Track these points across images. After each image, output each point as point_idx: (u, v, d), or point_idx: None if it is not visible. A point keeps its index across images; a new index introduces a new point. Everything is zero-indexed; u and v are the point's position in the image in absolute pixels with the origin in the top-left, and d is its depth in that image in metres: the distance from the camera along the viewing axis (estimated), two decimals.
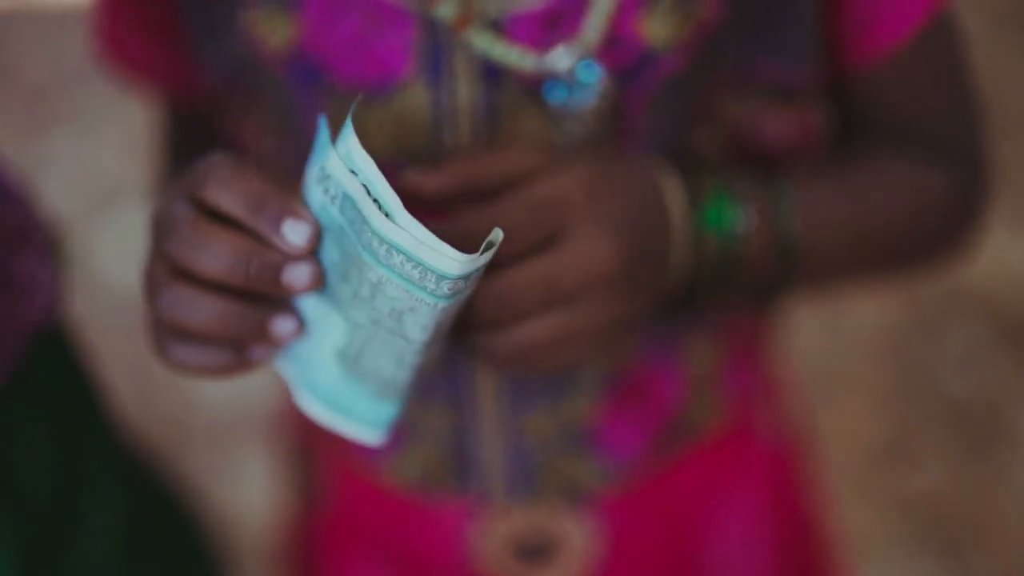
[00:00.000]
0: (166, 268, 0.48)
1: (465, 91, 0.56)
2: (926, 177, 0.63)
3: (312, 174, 0.46)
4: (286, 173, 0.63)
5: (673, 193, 0.54)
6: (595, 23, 0.54)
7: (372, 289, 0.46)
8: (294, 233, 0.45)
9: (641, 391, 0.68)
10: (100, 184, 2.00)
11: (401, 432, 0.71)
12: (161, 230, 0.49)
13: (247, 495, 1.68)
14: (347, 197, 0.44)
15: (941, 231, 0.66)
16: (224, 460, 1.78)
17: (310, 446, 0.82)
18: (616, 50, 0.55)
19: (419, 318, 0.46)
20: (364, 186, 0.44)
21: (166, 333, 0.50)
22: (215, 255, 0.46)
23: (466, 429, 0.68)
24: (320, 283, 0.47)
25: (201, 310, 0.47)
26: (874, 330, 1.90)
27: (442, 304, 0.45)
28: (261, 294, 0.48)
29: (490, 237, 0.45)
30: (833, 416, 1.77)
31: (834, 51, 0.59)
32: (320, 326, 0.50)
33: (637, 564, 0.75)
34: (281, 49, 0.58)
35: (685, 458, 0.72)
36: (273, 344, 0.50)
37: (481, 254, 0.44)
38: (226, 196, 0.46)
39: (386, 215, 0.43)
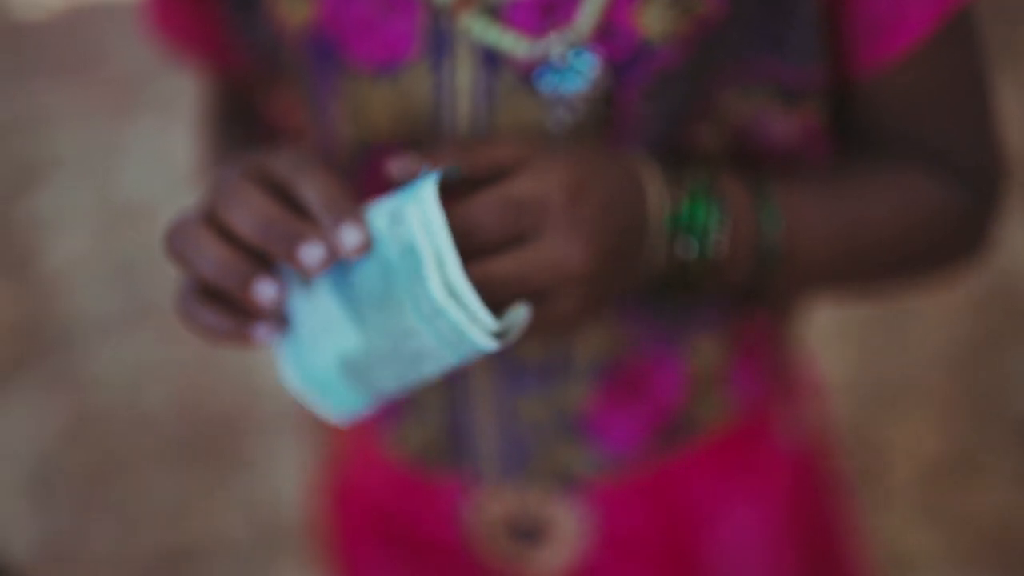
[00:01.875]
0: (200, 215, 0.51)
1: (464, 75, 0.58)
2: (926, 189, 0.62)
3: (388, 204, 0.50)
4: (313, 149, 0.67)
5: (653, 191, 0.55)
6: (589, 12, 0.55)
7: (405, 332, 0.50)
8: (350, 235, 0.48)
9: (639, 384, 0.69)
10: (179, 170, 2.06)
11: (402, 405, 0.72)
12: (215, 188, 0.52)
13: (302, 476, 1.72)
14: (412, 249, 0.48)
15: (941, 244, 0.65)
16: (283, 444, 1.83)
17: (318, 419, 0.84)
18: (610, 40, 0.55)
19: (440, 364, 0.51)
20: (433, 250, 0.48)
21: (187, 291, 0.53)
22: (247, 209, 0.49)
23: (461, 407, 0.70)
24: (324, 268, 0.49)
25: (206, 253, 0.50)
26: (942, 344, 1.87)
27: (465, 360, 0.51)
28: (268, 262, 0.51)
29: (516, 314, 0.50)
30: (897, 430, 1.75)
31: (839, 54, 0.58)
32: (333, 327, 0.52)
33: (629, 555, 0.75)
34: (300, 28, 0.60)
35: (686, 454, 0.72)
36: (257, 307, 0.51)
37: (510, 332, 0.50)
38: (299, 179, 0.50)
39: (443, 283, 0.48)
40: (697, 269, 0.57)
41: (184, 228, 0.51)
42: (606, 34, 0.55)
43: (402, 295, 0.49)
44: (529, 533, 0.74)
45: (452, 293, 0.48)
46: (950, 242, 0.65)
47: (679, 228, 0.56)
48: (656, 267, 0.56)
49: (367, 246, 0.48)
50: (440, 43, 0.57)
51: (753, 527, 0.76)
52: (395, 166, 0.54)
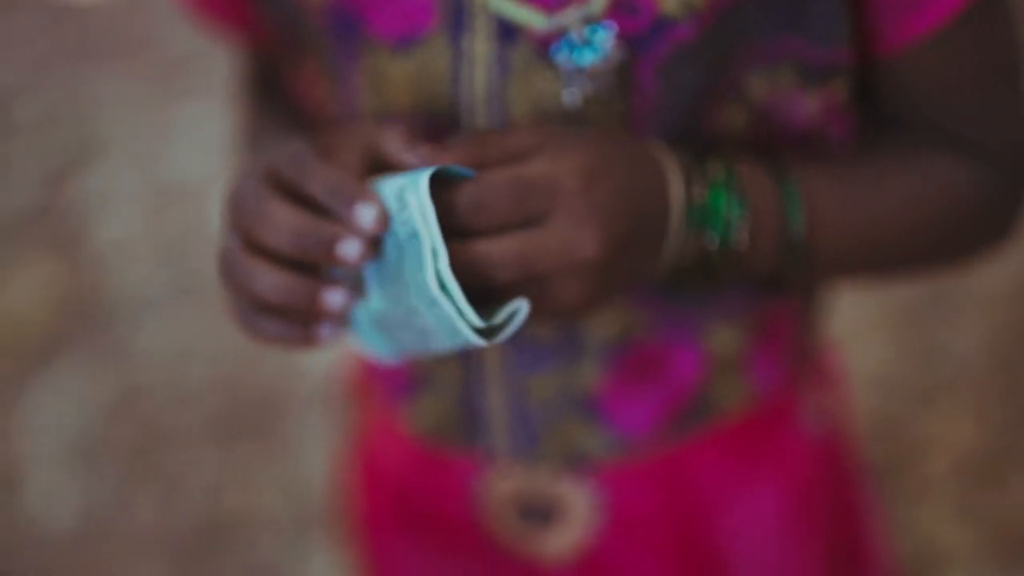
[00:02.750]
0: (238, 242, 0.53)
1: (481, 47, 0.58)
2: (953, 172, 0.62)
3: (392, 184, 0.51)
4: (337, 123, 0.67)
5: (673, 180, 0.55)
6: None
7: (412, 309, 0.51)
8: (364, 215, 0.49)
9: (653, 367, 0.69)
10: (226, 152, 2.08)
11: (416, 381, 0.73)
12: (234, 205, 0.54)
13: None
14: (416, 235, 0.49)
15: (968, 229, 0.64)
16: (322, 424, 1.85)
17: (351, 397, 0.86)
18: (626, 13, 0.55)
19: (443, 345, 0.52)
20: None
21: (243, 305, 0.55)
22: (278, 228, 0.51)
23: (473, 384, 0.70)
24: (367, 258, 0.50)
25: (264, 281, 0.52)
26: (981, 335, 1.85)
27: (465, 347, 0.51)
28: (317, 266, 0.53)
29: (514, 308, 0.50)
30: (933, 422, 1.73)
31: (864, 32, 0.57)
32: (366, 285, 0.55)
33: (640, 538, 0.75)
34: (321, 1, 0.61)
35: (702, 438, 0.72)
36: (326, 315, 0.53)
37: (507, 327, 0.50)
38: (306, 181, 0.51)
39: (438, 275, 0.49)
40: (717, 260, 0.57)
41: (231, 259, 0.53)
42: (622, 7, 0.55)
43: (408, 276, 0.50)
44: (539, 513, 0.75)
45: (442, 286, 0.49)
46: (978, 227, 0.64)
47: (699, 218, 0.55)
48: (675, 257, 0.56)
49: (384, 217, 0.49)
50: (458, 16, 0.58)
51: (769, 514, 0.76)
52: (411, 155, 0.53)
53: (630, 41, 0.56)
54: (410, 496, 0.80)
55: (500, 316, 0.51)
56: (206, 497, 1.79)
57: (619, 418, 0.70)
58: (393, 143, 0.54)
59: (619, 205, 0.52)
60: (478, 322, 0.49)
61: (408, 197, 0.49)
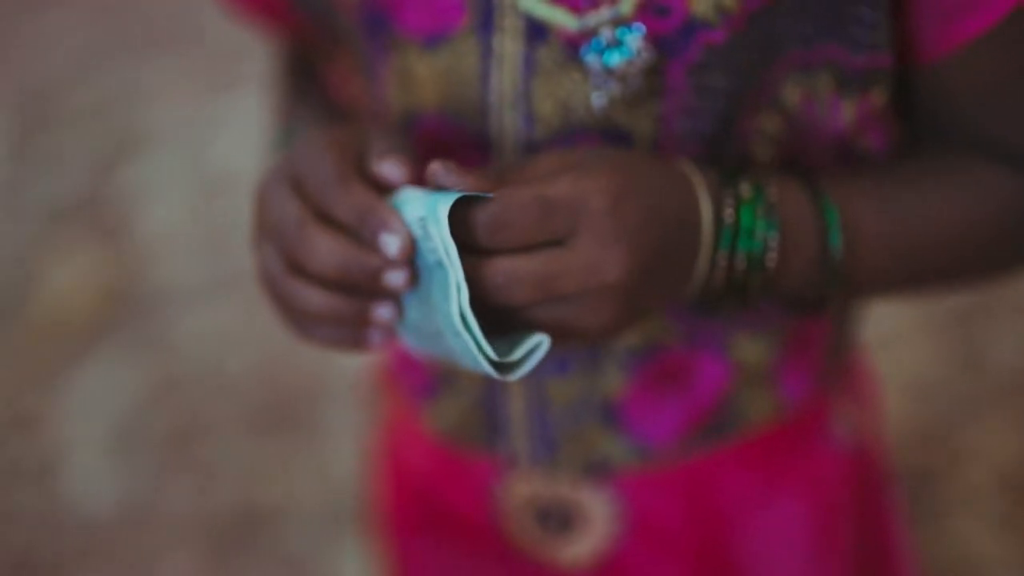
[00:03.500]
0: (280, 263, 0.54)
1: (510, 47, 0.58)
2: (993, 182, 0.60)
3: (414, 204, 0.50)
4: (370, 117, 0.68)
5: (704, 200, 0.54)
6: None
7: (439, 331, 0.51)
8: (390, 245, 0.50)
9: (678, 375, 0.68)
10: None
11: (439, 381, 0.73)
12: (267, 217, 0.54)
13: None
14: (442, 264, 0.49)
15: (1011, 240, 0.62)
16: (357, 417, 1.86)
17: (378, 392, 0.86)
18: (657, 15, 0.54)
19: (466, 365, 0.51)
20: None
21: (291, 316, 0.56)
22: (323, 258, 0.52)
23: (494, 385, 0.70)
24: (413, 285, 0.51)
25: (312, 301, 0.53)
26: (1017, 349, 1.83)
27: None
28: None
29: (534, 343, 0.50)
30: (974, 431, 1.70)
31: (906, 37, 0.56)
32: (405, 300, 0.55)
33: (659, 547, 0.74)
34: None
35: (727, 450, 0.71)
36: (375, 326, 0.55)
37: (526, 362, 0.50)
38: (333, 205, 0.52)
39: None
40: (748, 280, 0.55)
41: (275, 280, 0.54)
42: (653, 9, 0.54)
43: (435, 300, 0.50)
44: (558, 519, 0.74)
45: (463, 319, 0.48)
46: (1020, 236, 0.63)
47: (729, 237, 0.54)
48: (704, 277, 0.55)
49: (409, 246, 0.50)
50: (487, 15, 0.57)
51: (794, 527, 0.75)
52: (437, 172, 0.52)
53: (660, 43, 0.55)
54: (430, 495, 0.80)
55: (520, 351, 0.50)
56: (240, 487, 1.80)
57: (641, 426, 0.69)
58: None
59: (646, 226, 0.51)
60: (495, 357, 0.49)
61: (431, 229, 0.49)
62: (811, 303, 0.60)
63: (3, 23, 2.87)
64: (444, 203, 0.48)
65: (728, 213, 0.54)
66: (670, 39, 0.55)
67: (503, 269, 0.49)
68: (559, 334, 0.52)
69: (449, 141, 0.63)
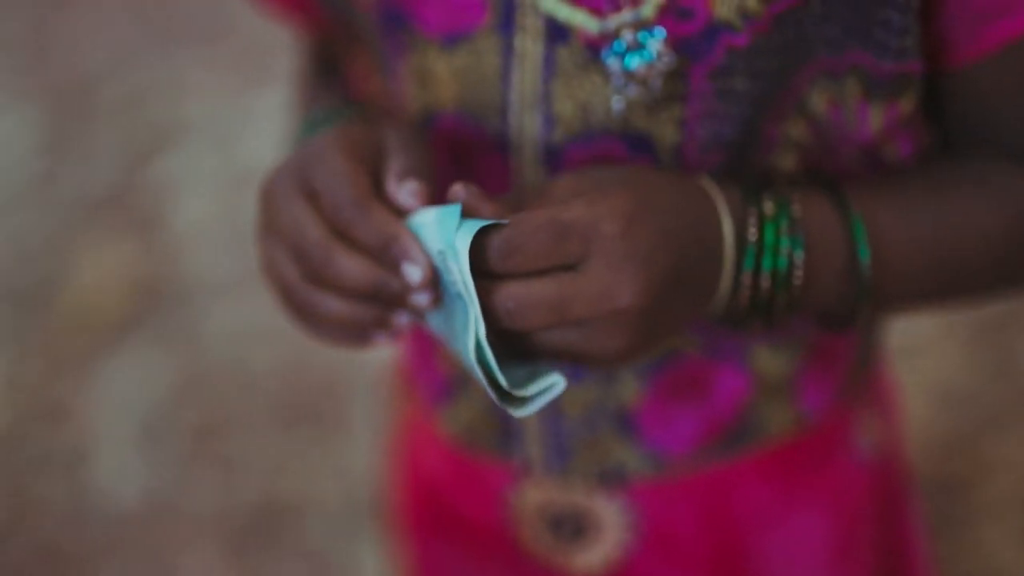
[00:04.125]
0: (297, 272, 0.54)
1: (531, 47, 0.57)
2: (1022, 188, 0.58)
3: (432, 235, 0.50)
4: (388, 114, 0.67)
5: (727, 219, 0.53)
6: None
7: (459, 351, 0.51)
8: (413, 275, 0.50)
9: (696, 385, 0.67)
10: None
11: (453, 384, 0.73)
12: (278, 216, 0.54)
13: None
14: (461, 297, 0.49)
15: None
16: (380, 415, 1.86)
17: (397, 391, 0.86)
18: (680, 18, 0.54)
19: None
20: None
21: (309, 321, 0.56)
22: (348, 279, 0.52)
23: None
24: (437, 305, 0.52)
25: (332, 308, 0.53)
26: None
27: None
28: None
29: (550, 383, 0.49)
30: (1002, 441, 1.68)
31: (935, 42, 0.55)
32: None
33: (673, 557, 0.73)
34: None
35: (745, 461, 0.70)
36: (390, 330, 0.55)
37: (535, 399, 0.50)
38: (354, 228, 0.51)
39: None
40: (772, 298, 0.54)
41: (295, 290, 0.54)
42: (675, 11, 0.54)
43: (456, 327, 0.50)
44: (571, 526, 0.74)
45: (480, 352, 0.48)
46: None
47: (753, 256, 0.53)
48: (727, 296, 0.54)
49: (429, 275, 0.50)
50: (508, 14, 0.57)
51: (812, 540, 0.74)
52: (457, 195, 0.51)
53: (682, 46, 0.54)
54: (444, 498, 0.80)
55: (535, 387, 0.50)
56: (263, 481, 1.81)
57: (657, 435, 0.69)
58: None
59: (661, 249, 0.50)
60: (508, 388, 0.49)
61: (450, 263, 0.49)
62: (839, 318, 0.59)
63: (40, 17, 2.89)
64: (463, 238, 0.48)
65: (751, 231, 0.53)
66: (692, 42, 0.54)
67: (515, 294, 0.49)
68: (573, 359, 0.51)
69: (467, 141, 0.62)
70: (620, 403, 0.68)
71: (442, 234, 0.49)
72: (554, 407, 0.68)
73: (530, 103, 0.59)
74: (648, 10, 0.54)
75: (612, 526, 0.73)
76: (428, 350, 0.76)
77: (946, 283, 0.60)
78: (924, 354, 1.77)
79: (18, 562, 1.70)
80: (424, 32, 0.60)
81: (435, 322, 0.54)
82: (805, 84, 0.56)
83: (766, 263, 0.54)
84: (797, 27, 0.54)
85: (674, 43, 0.54)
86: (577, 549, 0.74)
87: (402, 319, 0.54)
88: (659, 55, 0.54)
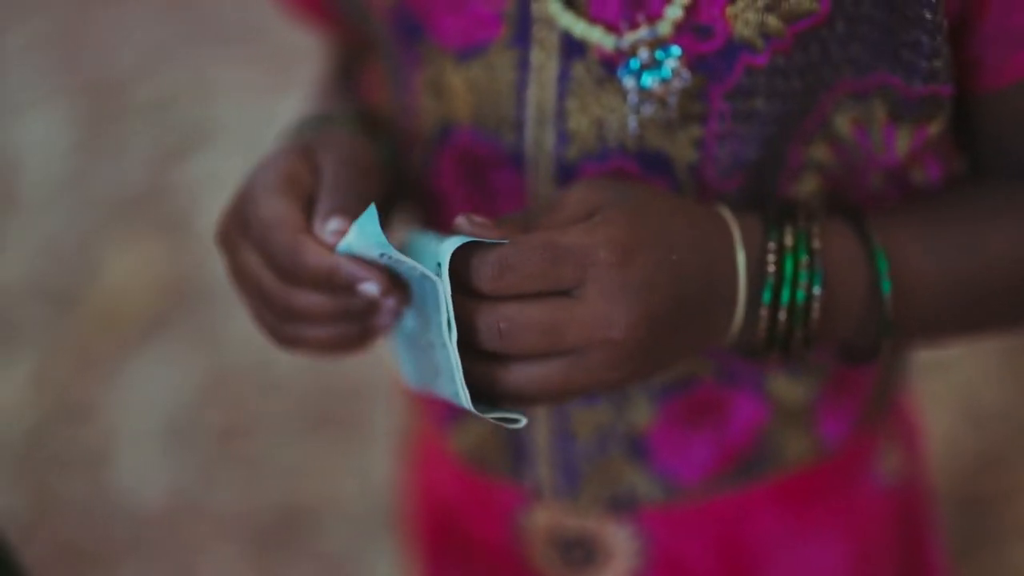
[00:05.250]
0: (273, 275, 0.54)
1: (546, 62, 0.56)
2: None
3: (428, 257, 0.50)
4: (397, 127, 0.66)
5: (741, 252, 0.51)
6: (678, 3, 0.52)
7: (428, 341, 0.52)
8: (370, 290, 0.51)
9: (711, 411, 0.65)
10: None
11: None
12: (237, 271, 0.56)
13: None
14: (437, 302, 0.48)
15: None
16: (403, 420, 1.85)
17: (408, 404, 0.85)
18: (698, 36, 0.52)
19: (445, 390, 0.52)
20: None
21: (274, 321, 0.56)
22: (317, 312, 0.53)
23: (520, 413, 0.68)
24: (408, 303, 0.52)
25: (318, 337, 0.55)
26: None
27: None
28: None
29: (512, 416, 0.49)
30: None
31: (966, 65, 0.53)
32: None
33: None
34: (388, 2, 0.61)
35: (760, 488, 0.69)
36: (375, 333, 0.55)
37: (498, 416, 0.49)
38: (297, 275, 0.52)
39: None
40: (792, 333, 0.53)
41: (267, 289, 0.55)
42: (694, 29, 0.52)
43: (430, 312, 0.50)
44: (581, 551, 0.72)
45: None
46: None
47: (771, 291, 0.52)
48: (741, 330, 0.53)
49: (388, 287, 0.50)
50: (525, 28, 0.56)
51: (831, 567, 0.72)
52: (461, 226, 0.50)
53: (700, 65, 0.53)
54: (454, 516, 0.79)
55: (497, 413, 0.49)
56: (284, 484, 1.81)
57: (669, 461, 0.67)
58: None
59: (661, 281, 0.48)
60: (469, 405, 0.48)
61: (435, 282, 0.48)
62: (861, 351, 0.57)
63: (75, 16, 2.92)
64: (447, 250, 0.47)
65: (770, 265, 0.52)
66: (710, 61, 0.53)
67: (508, 314, 0.47)
68: (564, 388, 0.50)
69: (482, 156, 0.61)
70: (632, 426, 0.66)
71: (439, 250, 0.49)
72: (565, 429, 0.67)
73: (545, 119, 0.58)
74: (665, 28, 0.53)
75: (622, 552, 0.71)
76: None
77: (975, 315, 0.58)
78: (953, 370, 1.74)
79: (40, 560, 1.70)
80: (440, 44, 0.59)
81: (410, 324, 0.54)
82: (829, 105, 0.55)
83: (783, 296, 0.52)
84: (820, 47, 0.52)
85: (691, 62, 0.53)
86: (587, 574, 0.73)
87: (384, 320, 0.54)
88: (675, 73, 0.53)
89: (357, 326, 0.54)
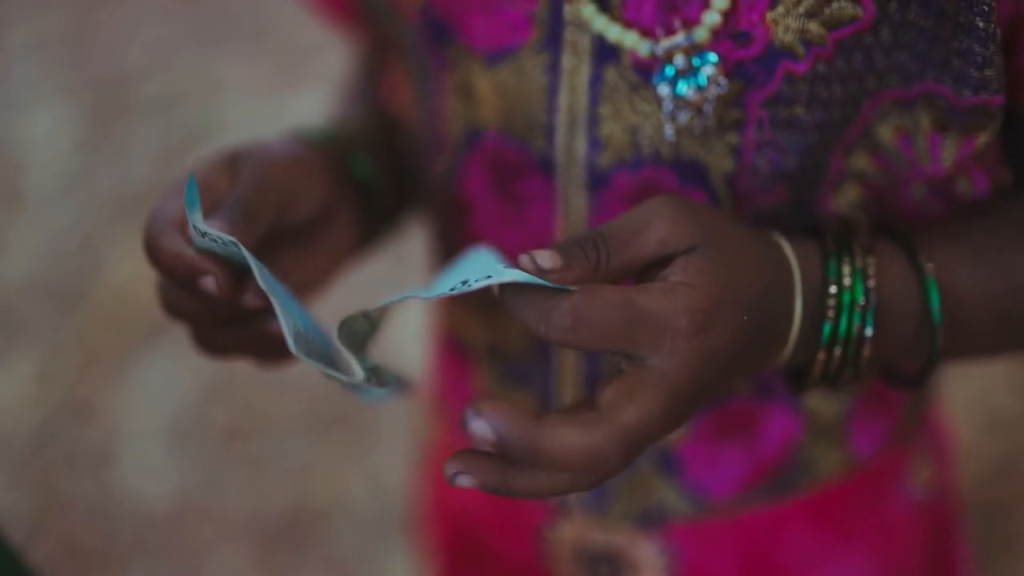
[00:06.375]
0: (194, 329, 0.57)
1: (578, 66, 0.55)
2: None
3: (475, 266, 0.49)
4: (420, 130, 0.66)
5: (799, 307, 0.50)
6: (716, 10, 0.50)
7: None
8: (208, 285, 0.52)
9: (743, 425, 0.64)
10: None
11: None
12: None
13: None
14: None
15: None
16: (413, 423, 1.85)
17: (427, 410, 0.84)
18: (736, 42, 0.51)
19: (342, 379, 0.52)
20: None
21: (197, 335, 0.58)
22: (187, 311, 0.56)
23: None
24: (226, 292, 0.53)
25: (231, 342, 0.57)
26: None
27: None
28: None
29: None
30: None
31: (1017, 76, 0.51)
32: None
33: None
34: (417, 2, 0.59)
35: (791, 503, 0.67)
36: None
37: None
38: (156, 255, 0.53)
39: None
40: (840, 372, 0.51)
41: (204, 343, 0.58)
42: (732, 35, 0.51)
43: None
44: (608, 565, 0.71)
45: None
46: None
47: (826, 335, 0.50)
48: (785, 362, 0.51)
49: (226, 281, 0.52)
50: (556, 31, 0.55)
51: None
52: (524, 263, 0.46)
53: (738, 72, 0.52)
54: (477, 529, 0.78)
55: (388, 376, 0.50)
56: (292, 486, 1.80)
57: (700, 475, 0.66)
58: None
59: (731, 347, 0.46)
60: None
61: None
62: (906, 379, 0.56)
63: (81, 14, 2.91)
64: (514, 275, 0.44)
65: (829, 309, 0.50)
66: (748, 68, 0.51)
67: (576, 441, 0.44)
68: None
69: (511, 162, 0.60)
70: (664, 441, 0.65)
71: (483, 268, 0.47)
72: None
73: (576, 124, 0.56)
74: (702, 34, 0.51)
75: (649, 568, 0.70)
76: (460, 370, 0.73)
77: (1015, 338, 0.57)
78: (970, 376, 1.73)
79: (46, 559, 1.70)
80: (469, 46, 0.58)
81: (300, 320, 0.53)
82: (872, 114, 0.53)
83: (839, 331, 0.51)
84: (864, 55, 0.50)
85: (729, 68, 0.51)
86: None
87: (207, 282, 0.53)
88: (712, 81, 0.52)
89: (246, 331, 0.55)
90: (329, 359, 0.52)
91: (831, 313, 0.50)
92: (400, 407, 1.86)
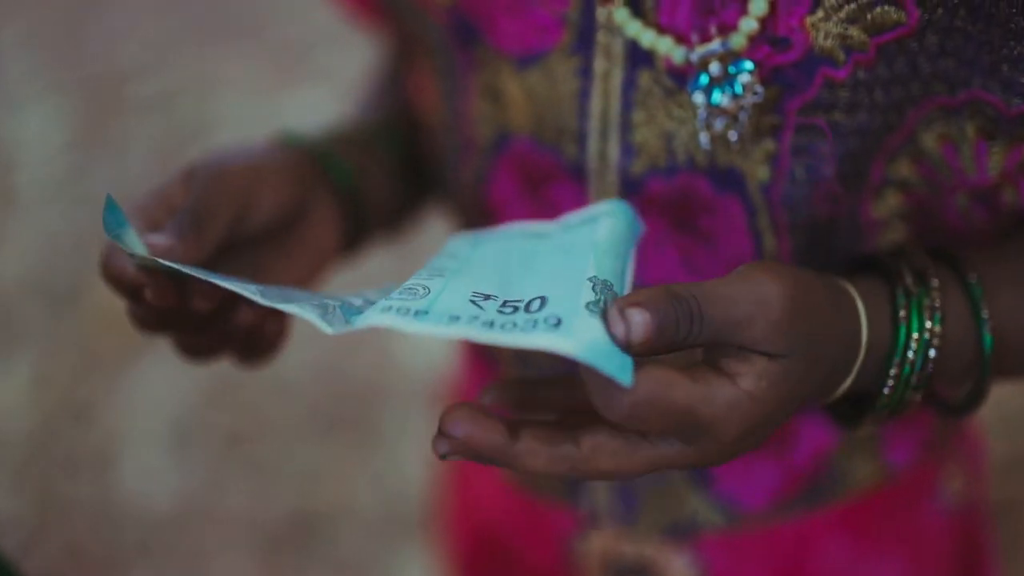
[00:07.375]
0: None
1: (611, 70, 0.53)
2: None
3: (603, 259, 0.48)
4: (446, 130, 0.64)
5: (853, 374, 0.48)
6: (754, 15, 0.48)
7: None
8: (147, 295, 0.51)
9: (777, 436, 0.62)
10: None
11: None
12: None
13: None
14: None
15: None
16: (416, 423, 1.84)
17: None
18: (775, 47, 0.49)
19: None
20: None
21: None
22: (161, 323, 0.55)
23: None
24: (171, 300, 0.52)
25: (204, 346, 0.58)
26: None
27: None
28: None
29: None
30: None
31: None
32: None
33: None
34: (446, 4, 0.58)
35: (824, 513, 0.66)
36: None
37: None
38: (106, 270, 0.53)
39: None
40: (892, 416, 0.51)
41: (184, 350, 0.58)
42: (771, 40, 0.49)
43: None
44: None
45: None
46: None
47: (896, 400, 0.49)
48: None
49: (164, 297, 0.52)
50: (588, 34, 0.53)
51: None
52: (620, 329, 0.42)
53: (775, 77, 0.50)
54: (502, 539, 0.77)
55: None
56: (296, 488, 1.79)
57: (732, 487, 0.65)
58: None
59: (778, 421, 0.45)
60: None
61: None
62: (953, 410, 0.55)
63: (75, 10, 2.89)
64: (558, 345, 0.41)
65: (892, 368, 0.49)
66: (786, 74, 0.50)
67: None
68: (654, 468, 0.46)
69: (542, 168, 0.58)
70: None
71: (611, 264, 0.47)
72: None
73: (609, 130, 0.55)
74: (739, 40, 0.49)
75: None
76: (484, 373, 0.72)
77: None
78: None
79: (47, 564, 1.68)
80: (497, 48, 0.56)
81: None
82: (916, 121, 0.51)
83: (892, 402, 0.50)
84: (908, 61, 0.49)
85: (766, 74, 0.50)
86: None
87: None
88: (747, 89, 0.50)
89: (224, 330, 0.55)
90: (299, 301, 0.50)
91: (890, 383, 0.49)
92: (403, 408, 1.85)
